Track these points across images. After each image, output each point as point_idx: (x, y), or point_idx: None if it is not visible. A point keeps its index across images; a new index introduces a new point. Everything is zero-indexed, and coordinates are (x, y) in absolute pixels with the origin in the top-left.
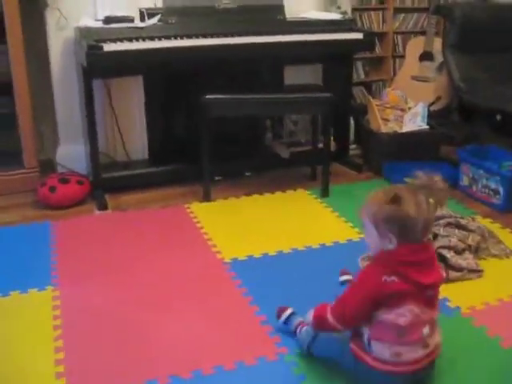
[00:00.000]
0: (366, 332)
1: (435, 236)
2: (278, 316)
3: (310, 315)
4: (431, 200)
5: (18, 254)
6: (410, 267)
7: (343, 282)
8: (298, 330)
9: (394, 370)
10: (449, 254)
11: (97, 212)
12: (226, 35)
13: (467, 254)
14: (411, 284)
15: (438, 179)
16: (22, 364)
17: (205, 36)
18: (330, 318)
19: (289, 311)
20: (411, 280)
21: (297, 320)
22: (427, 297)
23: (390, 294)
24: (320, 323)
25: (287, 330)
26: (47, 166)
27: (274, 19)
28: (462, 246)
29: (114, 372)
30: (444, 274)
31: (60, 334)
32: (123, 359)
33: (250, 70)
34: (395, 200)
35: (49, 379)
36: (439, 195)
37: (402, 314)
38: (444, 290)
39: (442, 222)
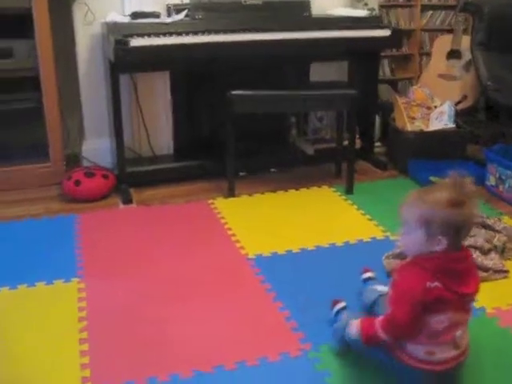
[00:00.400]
0: None
1: None
2: (332, 307)
3: (353, 328)
4: None
5: (44, 246)
6: (451, 276)
7: (366, 280)
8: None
9: (426, 368)
10: (474, 254)
11: (121, 206)
12: (252, 31)
13: (493, 255)
14: (452, 292)
15: (469, 181)
16: (46, 354)
17: (231, 32)
18: (381, 333)
19: (342, 304)
20: (452, 289)
21: (344, 315)
22: (465, 302)
23: (434, 300)
24: (370, 339)
25: (336, 321)
26: (73, 160)
27: (300, 16)
28: (488, 246)
29: (138, 364)
30: None
31: (85, 326)
32: (147, 352)
33: (276, 67)
34: (458, 203)
35: (74, 370)
36: (472, 196)
37: (441, 321)
38: None
39: None
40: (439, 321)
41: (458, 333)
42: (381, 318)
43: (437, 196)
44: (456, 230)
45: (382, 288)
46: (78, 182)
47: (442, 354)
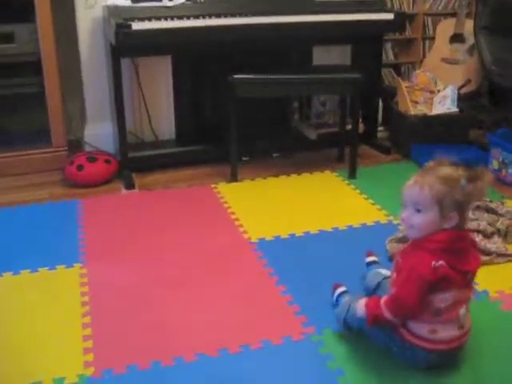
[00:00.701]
0: None
1: None
2: (333, 291)
3: (359, 308)
4: None
5: (47, 231)
6: (454, 255)
7: (369, 263)
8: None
9: (429, 347)
10: (477, 238)
11: (124, 191)
12: (254, 14)
13: (496, 238)
14: (456, 270)
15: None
16: (50, 339)
17: (233, 15)
18: (386, 313)
19: (342, 288)
20: (456, 267)
21: (346, 298)
22: (468, 280)
23: (440, 278)
24: (375, 319)
25: (337, 305)
26: (75, 145)
27: None
28: (490, 229)
29: (141, 348)
30: None
31: (88, 311)
32: (150, 335)
33: (279, 50)
34: (472, 179)
35: (77, 354)
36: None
37: (445, 299)
38: None
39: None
40: (443, 299)
41: (462, 311)
42: (385, 297)
43: (454, 174)
44: (467, 206)
45: (386, 271)
46: (80, 167)
47: (445, 333)
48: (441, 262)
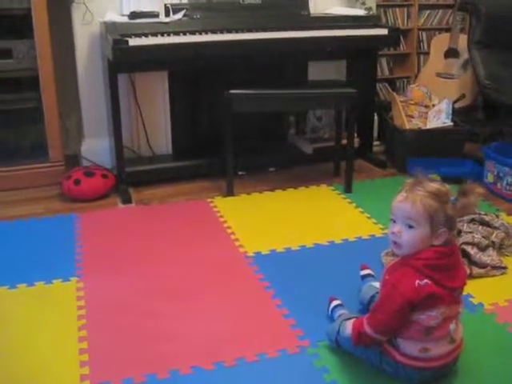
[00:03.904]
0: None
1: (459, 232)
2: (328, 304)
3: (348, 329)
4: None
5: (43, 246)
6: (441, 272)
7: (364, 276)
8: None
9: (421, 366)
10: (472, 251)
11: (121, 205)
12: (250, 30)
13: (491, 251)
14: (443, 287)
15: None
16: (46, 353)
17: (229, 31)
18: (367, 330)
19: (337, 302)
20: (443, 284)
21: (339, 312)
22: (456, 295)
23: (425, 297)
24: (359, 338)
25: (332, 318)
26: (72, 160)
27: (299, 15)
28: (485, 242)
29: (137, 361)
30: (468, 271)
31: (84, 324)
32: (146, 349)
33: (275, 66)
34: (461, 193)
35: (73, 368)
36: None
37: (435, 317)
38: (467, 287)
39: (465, 218)
40: (432, 316)
41: (452, 326)
42: (368, 313)
43: (443, 190)
44: (456, 220)
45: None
46: (77, 182)
47: (437, 350)
48: (426, 281)
